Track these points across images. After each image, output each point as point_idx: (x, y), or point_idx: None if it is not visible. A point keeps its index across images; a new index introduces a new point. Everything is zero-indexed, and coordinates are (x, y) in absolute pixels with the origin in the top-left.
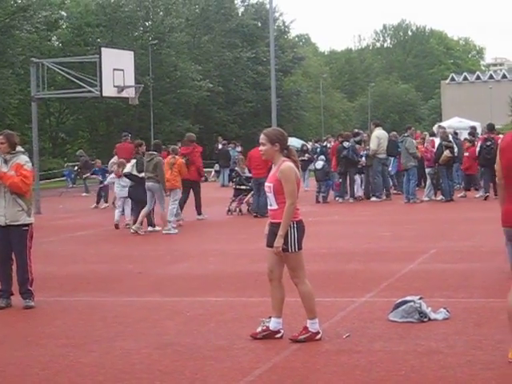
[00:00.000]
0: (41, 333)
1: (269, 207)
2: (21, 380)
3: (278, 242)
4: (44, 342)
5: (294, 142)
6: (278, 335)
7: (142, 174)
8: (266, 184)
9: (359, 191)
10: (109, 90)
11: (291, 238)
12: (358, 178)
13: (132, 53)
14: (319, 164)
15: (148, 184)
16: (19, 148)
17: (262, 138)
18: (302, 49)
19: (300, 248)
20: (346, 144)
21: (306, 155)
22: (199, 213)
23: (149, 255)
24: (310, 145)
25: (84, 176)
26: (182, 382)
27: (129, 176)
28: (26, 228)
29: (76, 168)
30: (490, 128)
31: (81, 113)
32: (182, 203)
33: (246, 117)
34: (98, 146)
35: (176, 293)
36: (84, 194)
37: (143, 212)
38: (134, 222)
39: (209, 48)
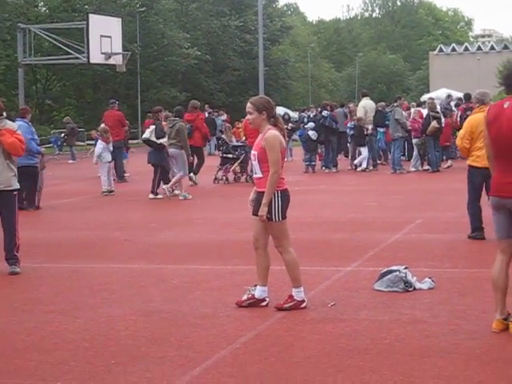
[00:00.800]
0: (26, 299)
1: (254, 175)
2: (6, 345)
3: (262, 210)
4: (29, 308)
5: (280, 111)
6: (264, 303)
7: (161, 140)
8: (252, 152)
9: (364, 163)
10: (96, 57)
11: (275, 207)
12: (364, 150)
13: (120, 20)
14: (314, 134)
15: (170, 150)
16: (4, 114)
17: (249, 106)
18: (290, 18)
19: (284, 217)
20: (324, 113)
21: (290, 125)
22: (195, 172)
23: (136, 223)
24: (296, 114)
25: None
26: (168, 349)
27: (147, 142)
28: (15, 193)
29: (63, 135)
30: (467, 98)
31: (68, 79)
32: (189, 169)
33: (234, 85)
34: (84, 113)
35: (162, 260)
36: (70, 161)
37: (175, 179)
38: (153, 189)
39: (197, 16)
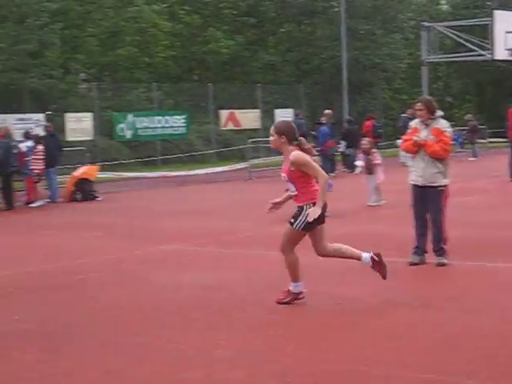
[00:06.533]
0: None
1: (291, 192)
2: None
3: (315, 211)
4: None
5: None
6: (301, 296)
7: None
8: (282, 175)
9: None
10: (500, 53)
11: (301, 217)
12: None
13: None
14: None
15: None
16: (439, 113)
17: (272, 129)
18: None
19: (305, 229)
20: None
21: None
22: None
23: None
24: None
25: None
26: None
27: None
28: (442, 189)
29: (464, 132)
30: None
31: (468, 76)
32: None
33: None
34: (485, 111)
35: None
36: (471, 159)
37: None
38: None
39: None
